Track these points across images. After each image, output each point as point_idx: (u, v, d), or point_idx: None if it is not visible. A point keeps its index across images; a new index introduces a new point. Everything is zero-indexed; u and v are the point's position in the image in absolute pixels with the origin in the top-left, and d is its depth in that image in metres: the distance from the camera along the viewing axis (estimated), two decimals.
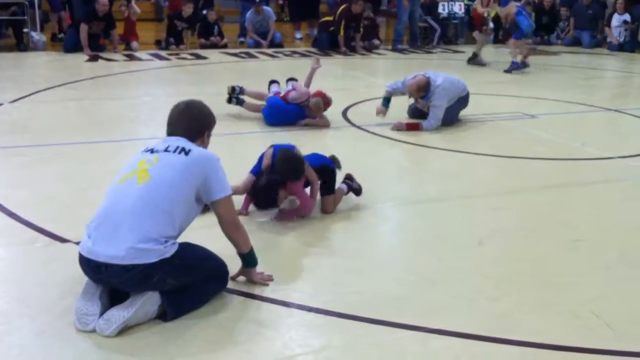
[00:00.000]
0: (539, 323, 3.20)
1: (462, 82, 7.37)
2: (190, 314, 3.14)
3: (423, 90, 7.09)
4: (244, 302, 3.31)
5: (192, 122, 3.40)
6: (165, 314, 3.10)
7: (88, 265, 3.08)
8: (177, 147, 3.24)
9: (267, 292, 3.39)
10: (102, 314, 3.00)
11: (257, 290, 3.40)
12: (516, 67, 11.26)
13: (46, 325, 3.02)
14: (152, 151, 3.28)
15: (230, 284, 3.40)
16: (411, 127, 6.98)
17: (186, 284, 3.17)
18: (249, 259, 3.44)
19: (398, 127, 6.94)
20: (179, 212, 3.15)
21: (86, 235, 3.13)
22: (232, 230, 3.33)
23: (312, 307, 3.27)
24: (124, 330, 2.96)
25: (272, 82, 7.72)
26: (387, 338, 3.04)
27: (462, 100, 7.34)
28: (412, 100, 7.40)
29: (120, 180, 3.21)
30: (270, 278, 3.52)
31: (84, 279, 3.14)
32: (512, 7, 11.65)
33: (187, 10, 13.22)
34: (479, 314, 3.27)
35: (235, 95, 7.27)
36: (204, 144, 3.44)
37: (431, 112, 7.03)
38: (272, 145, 4.67)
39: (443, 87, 7.02)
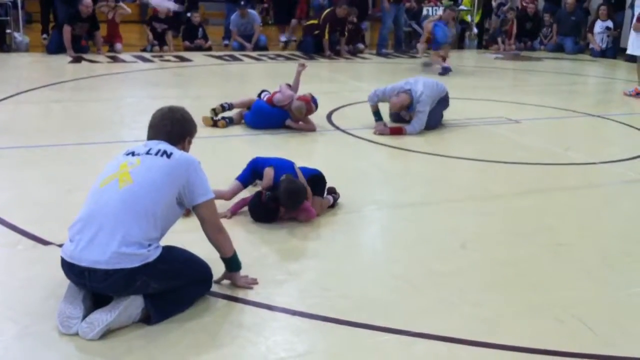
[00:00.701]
0: (523, 327, 3.21)
1: (441, 84, 7.40)
2: (173, 317, 3.13)
3: (407, 107, 7.13)
4: (228, 305, 3.30)
5: (174, 127, 3.39)
6: (149, 318, 3.08)
7: (71, 269, 3.06)
8: (159, 150, 3.24)
9: (251, 295, 3.39)
10: (85, 317, 2.98)
11: (241, 294, 3.39)
12: (448, 70, 11.55)
13: (29, 329, 3.00)
14: (133, 154, 3.27)
15: (214, 287, 3.39)
16: (395, 132, 7.00)
17: (170, 287, 3.16)
18: (232, 263, 3.43)
19: (381, 132, 6.95)
20: (161, 214, 3.14)
21: (68, 240, 3.11)
22: (215, 233, 3.32)
23: (297, 310, 3.27)
24: (107, 333, 2.95)
25: (262, 92, 7.56)
26: (371, 341, 3.04)
27: (443, 101, 7.37)
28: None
29: (102, 183, 3.19)
30: (254, 281, 3.51)
31: (67, 281, 3.12)
32: (430, 23, 12.65)
33: (162, 10, 13.19)
34: (463, 317, 3.28)
35: (224, 117, 7.04)
36: (185, 150, 3.43)
37: (415, 116, 7.05)
38: (271, 165, 4.61)
39: (425, 94, 7.03)
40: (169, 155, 3.22)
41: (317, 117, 7.21)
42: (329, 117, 7.64)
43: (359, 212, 4.80)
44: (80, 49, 12.03)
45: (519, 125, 7.71)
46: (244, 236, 4.15)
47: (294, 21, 15.08)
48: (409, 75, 7.80)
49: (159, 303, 3.11)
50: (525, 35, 15.99)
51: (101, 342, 2.91)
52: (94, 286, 3.05)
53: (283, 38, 14.99)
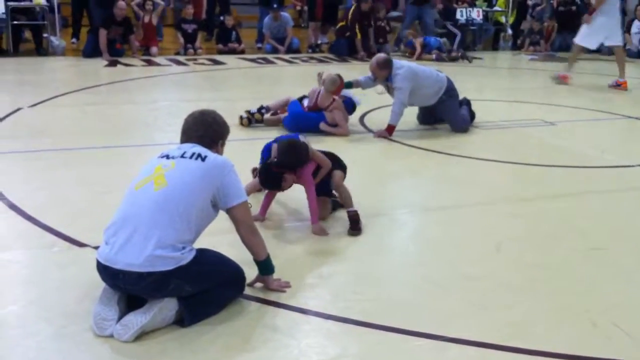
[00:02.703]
0: (556, 331, 3.17)
1: (442, 75, 7.22)
2: (207, 320, 3.14)
3: (383, 67, 7.03)
4: (260, 309, 3.31)
5: (207, 131, 3.42)
6: (183, 320, 3.10)
7: (105, 272, 3.10)
8: (194, 154, 3.26)
9: (283, 298, 3.39)
10: (119, 319, 3.01)
11: (273, 297, 3.40)
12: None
13: (63, 330, 3.04)
14: (167, 157, 3.29)
15: (247, 290, 3.40)
16: (389, 130, 6.93)
17: (203, 289, 3.18)
18: (266, 266, 3.44)
19: (380, 135, 6.92)
20: (196, 217, 3.16)
21: (104, 242, 3.14)
22: (249, 235, 3.33)
23: (329, 314, 3.26)
24: (141, 335, 2.97)
25: (303, 97, 7.50)
26: (403, 346, 3.02)
27: (452, 93, 7.19)
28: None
29: (137, 185, 3.22)
30: (287, 285, 3.51)
31: (102, 283, 3.15)
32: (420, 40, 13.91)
33: (188, 11, 13.31)
34: (495, 322, 3.25)
35: (259, 110, 7.11)
36: (218, 153, 3.45)
37: (394, 97, 6.99)
38: (276, 139, 4.66)
39: (406, 71, 6.94)
40: (203, 159, 3.24)
41: (350, 119, 7.20)
42: (361, 119, 7.63)
43: (390, 215, 4.78)
44: (115, 52, 12.18)
45: (554, 127, 7.62)
46: (274, 239, 4.15)
47: (312, 24, 15.16)
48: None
49: (192, 305, 3.13)
50: (565, 28, 15.57)
51: (135, 344, 2.94)
52: (128, 288, 3.08)
53: (324, 39, 15.11)
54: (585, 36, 10.66)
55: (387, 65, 7.00)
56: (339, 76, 7.01)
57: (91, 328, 3.02)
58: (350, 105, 7.13)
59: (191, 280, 3.10)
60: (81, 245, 3.95)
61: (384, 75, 7.06)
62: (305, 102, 7.21)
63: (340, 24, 14.12)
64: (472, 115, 7.45)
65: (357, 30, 13.60)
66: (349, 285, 3.60)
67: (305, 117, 6.92)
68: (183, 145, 3.38)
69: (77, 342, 2.95)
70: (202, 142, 3.37)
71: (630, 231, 4.56)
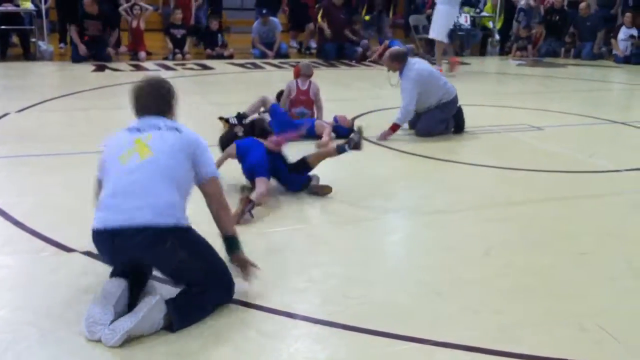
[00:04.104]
0: (545, 336, 3.19)
1: (451, 87, 7.29)
2: (195, 325, 3.14)
3: (394, 59, 7.09)
4: (249, 313, 3.30)
5: (167, 103, 3.54)
6: (172, 325, 3.09)
7: (101, 238, 3.13)
8: (166, 126, 3.37)
9: (272, 303, 3.39)
10: (111, 322, 3.00)
11: (262, 301, 3.39)
12: None
13: (52, 334, 3.02)
14: (138, 130, 3.37)
15: (236, 295, 3.39)
16: (393, 128, 6.99)
17: (193, 268, 3.19)
18: (235, 242, 3.45)
19: (385, 135, 6.96)
20: (183, 183, 3.29)
21: (98, 213, 3.18)
22: (220, 210, 3.41)
23: (318, 318, 3.26)
24: (129, 341, 2.96)
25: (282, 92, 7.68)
26: (392, 350, 3.03)
27: (446, 107, 7.21)
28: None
29: (122, 158, 3.27)
30: (254, 265, 3.50)
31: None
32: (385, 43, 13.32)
33: (176, 17, 13.29)
34: (486, 326, 3.26)
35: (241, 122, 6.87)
36: (175, 117, 3.57)
37: (401, 99, 7.06)
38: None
39: (417, 71, 7.01)
40: (179, 131, 3.36)
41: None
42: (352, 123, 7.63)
43: (381, 219, 4.79)
44: (102, 57, 12.10)
45: (542, 132, 7.66)
46: (264, 244, 4.16)
47: (310, 25, 15.21)
48: None
49: (181, 309, 3.13)
50: (553, 33, 15.77)
51: (122, 349, 2.92)
52: (125, 248, 3.09)
53: (293, 43, 15.17)
54: (439, 30, 11.80)
55: (398, 58, 7.11)
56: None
57: (79, 333, 3.00)
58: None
59: (185, 247, 3.15)
60: (69, 250, 3.93)
61: (394, 67, 7.17)
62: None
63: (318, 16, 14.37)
64: (461, 124, 7.45)
65: (320, 18, 13.90)
66: (339, 289, 3.60)
67: (293, 125, 6.87)
68: (148, 118, 3.44)
69: (65, 347, 2.94)
70: (164, 114, 3.48)
71: (619, 236, 4.58)
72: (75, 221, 4.37)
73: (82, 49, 11.90)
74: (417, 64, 7.16)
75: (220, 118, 7.09)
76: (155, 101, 3.50)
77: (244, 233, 4.30)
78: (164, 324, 3.08)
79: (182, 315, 3.12)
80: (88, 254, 3.81)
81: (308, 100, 7.43)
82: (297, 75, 7.56)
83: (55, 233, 4.12)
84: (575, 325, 3.29)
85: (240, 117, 6.96)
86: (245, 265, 3.46)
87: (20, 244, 4.05)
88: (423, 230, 4.64)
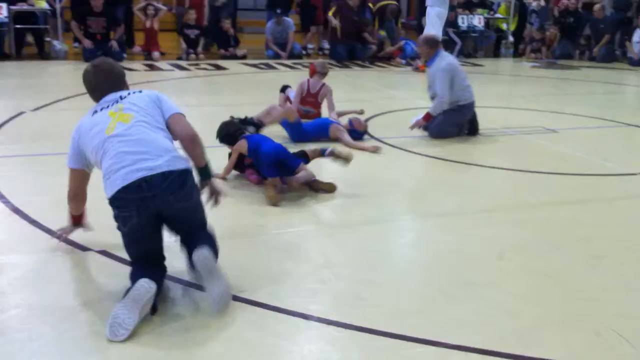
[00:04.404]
0: (559, 340, 3.17)
1: (470, 89, 7.31)
2: (208, 325, 3.14)
3: (428, 44, 7.16)
4: (262, 313, 3.30)
5: (122, 79, 3.75)
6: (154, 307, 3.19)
7: (128, 193, 3.24)
8: (127, 93, 3.60)
9: (285, 304, 3.39)
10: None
11: (275, 302, 3.40)
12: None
13: (65, 334, 3.04)
14: (108, 106, 3.52)
15: (248, 296, 3.40)
16: (426, 118, 7.10)
17: (202, 209, 3.51)
18: (207, 171, 3.64)
19: (417, 124, 7.08)
20: (164, 128, 3.52)
21: (115, 176, 3.27)
22: (191, 143, 3.55)
23: (331, 320, 3.26)
24: (143, 341, 2.97)
25: (286, 87, 7.76)
26: (406, 353, 3.02)
27: (461, 111, 7.22)
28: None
29: (109, 132, 3.39)
30: (223, 192, 3.76)
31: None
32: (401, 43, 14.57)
33: (190, 17, 13.32)
34: (499, 329, 3.25)
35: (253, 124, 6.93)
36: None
37: (437, 95, 7.13)
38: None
39: (450, 63, 7.11)
40: (139, 91, 3.64)
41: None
42: None
43: (393, 221, 4.79)
44: (103, 47, 12.12)
45: (556, 135, 7.63)
46: (276, 244, 4.16)
47: (313, 28, 15.22)
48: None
49: (214, 252, 3.35)
50: (567, 35, 15.73)
51: (137, 350, 2.93)
52: (153, 194, 3.24)
53: (308, 45, 15.21)
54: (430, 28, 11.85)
55: (432, 43, 7.21)
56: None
57: (93, 332, 3.02)
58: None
59: (195, 186, 3.46)
60: (84, 249, 3.95)
61: (424, 52, 7.31)
62: (291, 95, 7.55)
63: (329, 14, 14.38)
64: (475, 126, 7.43)
65: (334, 16, 13.93)
66: (351, 291, 3.60)
67: (309, 131, 6.88)
68: (107, 96, 3.60)
69: (80, 346, 2.95)
70: (120, 89, 3.67)
71: (633, 239, 4.55)
72: (90, 220, 4.39)
73: (87, 43, 11.96)
74: (449, 57, 7.29)
75: (231, 117, 7.06)
76: (112, 81, 3.69)
77: (257, 233, 4.33)
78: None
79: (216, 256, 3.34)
80: (103, 252, 3.83)
81: (315, 103, 7.54)
82: (312, 73, 7.62)
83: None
84: (590, 329, 3.27)
85: (247, 121, 6.91)
86: (215, 191, 3.66)
87: (36, 243, 4.07)
88: (435, 233, 4.63)
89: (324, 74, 7.61)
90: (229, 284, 3.29)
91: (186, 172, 3.38)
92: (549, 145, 7.11)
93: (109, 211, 3.37)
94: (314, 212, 4.85)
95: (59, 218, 4.38)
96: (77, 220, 3.96)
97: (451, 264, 4.02)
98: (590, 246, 4.37)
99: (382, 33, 15.13)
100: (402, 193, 5.45)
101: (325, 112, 7.50)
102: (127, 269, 3.39)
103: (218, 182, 3.78)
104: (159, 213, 3.33)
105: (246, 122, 6.74)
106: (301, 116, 7.22)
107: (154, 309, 3.18)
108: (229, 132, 5.41)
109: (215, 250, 3.37)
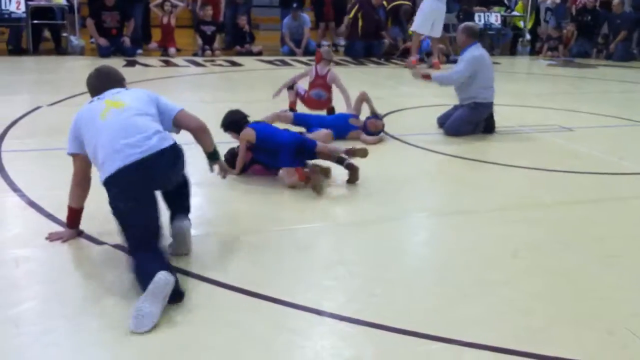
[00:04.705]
0: (572, 338, 3.16)
1: (493, 90, 7.29)
2: (221, 320, 3.16)
3: (467, 34, 7.28)
4: (275, 309, 3.31)
5: (119, 79, 4.12)
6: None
7: (126, 173, 3.46)
8: (124, 89, 3.97)
9: (298, 299, 3.40)
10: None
11: (288, 298, 3.40)
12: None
13: (82, 326, 3.06)
14: (104, 97, 3.80)
15: (261, 290, 3.41)
16: (426, 77, 7.31)
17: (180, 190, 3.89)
18: (215, 154, 4.14)
19: (419, 74, 7.38)
20: (155, 117, 3.77)
21: (114, 157, 3.49)
22: (203, 132, 4.00)
23: (344, 316, 3.27)
24: (158, 334, 2.99)
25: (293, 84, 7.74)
26: (419, 350, 3.02)
27: (477, 109, 7.20)
28: (442, 109, 7.44)
29: (102, 117, 3.64)
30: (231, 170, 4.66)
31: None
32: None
33: (207, 13, 13.34)
34: (512, 327, 3.24)
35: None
36: None
37: (453, 69, 7.22)
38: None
39: (483, 53, 7.22)
40: (135, 89, 3.96)
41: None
42: None
43: (407, 218, 4.79)
44: (116, 43, 12.18)
45: (572, 133, 7.59)
46: (290, 240, 4.17)
47: (322, 24, 15.23)
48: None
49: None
50: (584, 33, 15.64)
51: (152, 341, 2.95)
52: (152, 172, 3.53)
53: (324, 42, 15.22)
54: (420, 23, 12.54)
55: (471, 34, 7.29)
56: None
57: (108, 325, 3.04)
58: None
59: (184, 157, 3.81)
60: (100, 243, 3.98)
61: (463, 41, 7.35)
62: (300, 89, 7.62)
63: (348, 17, 14.29)
64: (491, 125, 7.40)
65: (360, 17, 13.87)
66: (364, 287, 3.60)
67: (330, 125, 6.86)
68: (106, 92, 3.89)
69: (94, 339, 2.97)
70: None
71: None
72: (105, 214, 4.41)
73: (103, 41, 12.03)
74: (484, 52, 7.34)
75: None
76: (111, 82, 4.05)
77: (271, 229, 4.34)
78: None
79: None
80: (118, 246, 3.85)
81: (325, 85, 7.68)
82: (319, 60, 7.77)
83: (85, 226, 4.16)
84: (603, 328, 3.25)
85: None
86: (223, 168, 4.28)
87: None
88: (449, 231, 4.62)
89: (329, 61, 7.85)
90: (189, 250, 3.77)
91: (176, 147, 3.69)
92: (564, 144, 7.08)
93: None
94: (328, 208, 4.86)
95: None
96: (75, 218, 4.03)
97: (465, 262, 4.01)
98: (605, 245, 4.34)
99: (410, 33, 15.18)
100: (417, 190, 5.44)
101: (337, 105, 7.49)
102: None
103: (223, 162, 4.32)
104: (157, 188, 3.66)
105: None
106: (313, 102, 7.47)
107: (180, 296, 3.26)
108: (234, 120, 5.42)
109: (188, 205, 3.94)
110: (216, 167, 4.21)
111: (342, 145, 5.59)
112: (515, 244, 4.25)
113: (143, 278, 3.19)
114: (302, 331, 3.13)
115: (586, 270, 3.96)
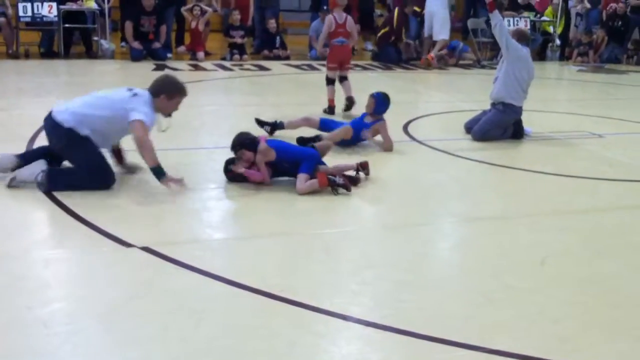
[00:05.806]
0: (603, 348, 3.12)
1: (525, 93, 7.27)
2: (249, 326, 3.16)
3: (519, 36, 7.35)
4: (302, 313, 3.31)
5: (158, 84, 5.13)
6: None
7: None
8: (136, 91, 4.98)
9: (325, 304, 3.39)
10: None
11: (316, 302, 3.40)
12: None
13: (111, 326, 3.09)
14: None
15: (287, 295, 3.41)
16: (491, 5, 7.26)
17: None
18: (156, 172, 4.73)
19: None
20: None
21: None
22: (139, 149, 4.79)
23: (371, 321, 3.25)
24: (188, 335, 3.01)
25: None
26: (446, 357, 3.00)
27: (506, 110, 7.17)
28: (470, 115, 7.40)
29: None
30: (179, 181, 4.75)
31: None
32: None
33: (235, 17, 13.39)
34: (541, 335, 3.21)
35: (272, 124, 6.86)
36: (163, 105, 5.14)
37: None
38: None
39: (528, 51, 7.33)
40: (135, 95, 4.98)
41: (394, 128, 7.15)
42: (405, 127, 7.60)
43: (435, 224, 4.76)
44: (148, 47, 12.28)
45: (602, 140, 7.51)
46: (318, 244, 4.17)
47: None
48: (488, 89, 7.64)
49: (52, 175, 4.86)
50: (615, 39, 15.48)
51: (178, 343, 2.96)
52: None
53: (369, 46, 15.22)
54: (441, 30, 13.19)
55: (522, 37, 7.40)
56: None
57: (139, 325, 3.05)
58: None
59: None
60: (128, 245, 4.00)
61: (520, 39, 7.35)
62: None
63: (383, 30, 14.12)
64: (520, 130, 7.35)
65: (403, 35, 13.78)
66: (392, 293, 3.59)
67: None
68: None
69: (123, 339, 2.99)
70: (150, 89, 5.06)
71: None
72: (134, 218, 4.47)
73: (136, 44, 12.16)
74: (526, 51, 7.36)
75: (257, 120, 6.96)
76: (153, 83, 5.07)
77: (298, 233, 4.34)
78: (40, 180, 4.73)
79: (51, 180, 4.76)
80: (146, 249, 3.88)
81: (345, 32, 8.27)
82: (333, 6, 8.36)
83: (114, 229, 4.19)
84: (635, 337, 3.21)
85: (260, 122, 6.88)
86: (174, 182, 4.71)
87: (82, 239, 4.13)
88: (477, 237, 4.59)
89: (343, 5, 8.35)
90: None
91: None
92: (595, 150, 7.00)
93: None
94: (355, 213, 4.85)
95: (105, 215, 4.47)
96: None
97: (491, 269, 3.98)
98: (637, 253, 4.29)
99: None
100: (445, 196, 5.41)
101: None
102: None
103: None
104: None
105: (267, 124, 6.79)
106: (337, 49, 8.18)
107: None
108: (248, 139, 5.23)
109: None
110: (171, 185, 4.71)
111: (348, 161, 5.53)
112: (546, 251, 4.21)
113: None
114: (328, 336, 3.12)
115: (618, 277, 3.91)
